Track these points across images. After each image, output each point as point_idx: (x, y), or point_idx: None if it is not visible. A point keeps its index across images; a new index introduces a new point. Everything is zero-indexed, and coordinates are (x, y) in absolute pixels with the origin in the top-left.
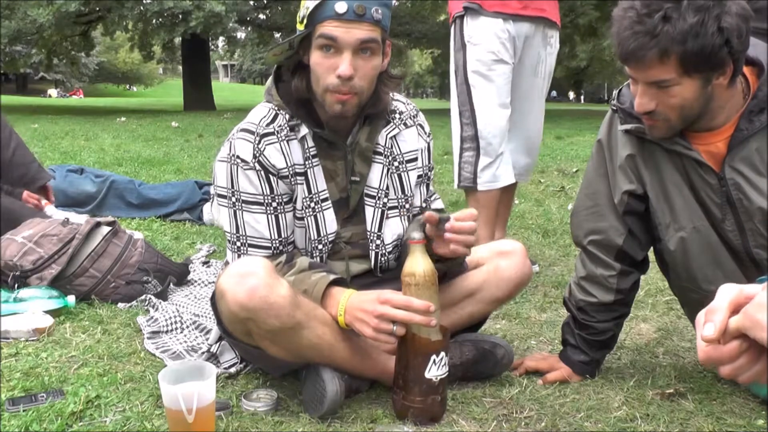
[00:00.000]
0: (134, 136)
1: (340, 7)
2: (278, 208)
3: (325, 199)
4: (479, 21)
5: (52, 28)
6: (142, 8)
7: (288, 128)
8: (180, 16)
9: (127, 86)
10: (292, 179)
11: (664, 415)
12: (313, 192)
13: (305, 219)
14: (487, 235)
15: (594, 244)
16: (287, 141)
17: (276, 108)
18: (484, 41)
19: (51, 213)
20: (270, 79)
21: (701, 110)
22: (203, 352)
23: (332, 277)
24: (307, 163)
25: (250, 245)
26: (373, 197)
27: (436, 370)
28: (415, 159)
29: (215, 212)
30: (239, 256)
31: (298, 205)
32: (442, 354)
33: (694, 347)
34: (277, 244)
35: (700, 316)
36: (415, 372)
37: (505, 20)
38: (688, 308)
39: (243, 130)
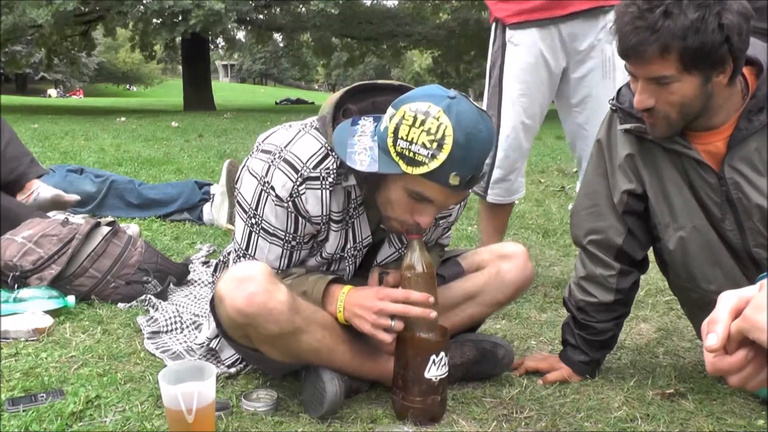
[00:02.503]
0: (134, 136)
1: (455, 180)
2: (296, 246)
3: (368, 245)
4: (522, 25)
5: (51, 27)
6: (141, 7)
7: (336, 173)
8: (180, 16)
9: (127, 86)
10: (324, 226)
11: (664, 415)
12: (357, 240)
13: (347, 266)
14: (495, 243)
15: (594, 244)
16: (332, 188)
17: (329, 148)
18: (526, 42)
19: (39, 190)
20: (329, 111)
21: (701, 108)
22: (201, 344)
23: (331, 276)
24: (353, 212)
25: None
26: (400, 241)
27: (435, 370)
28: (450, 215)
29: (215, 212)
30: None
31: (330, 249)
32: (442, 354)
33: (695, 347)
34: (280, 271)
35: (704, 327)
36: (415, 372)
37: (551, 24)
38: (687, 308)
39: (287, 162)
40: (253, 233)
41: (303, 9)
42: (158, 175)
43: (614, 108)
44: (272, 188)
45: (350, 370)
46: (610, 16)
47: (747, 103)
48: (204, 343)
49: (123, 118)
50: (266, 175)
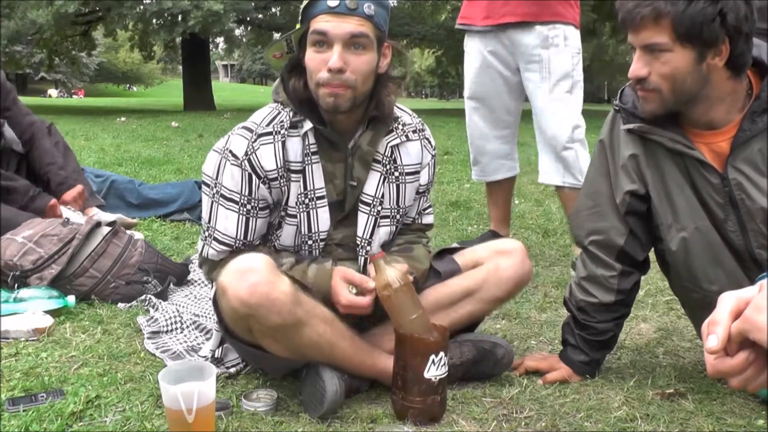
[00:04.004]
0: (134, 136)
1: (332, 1)
2: (251, 211)
3: (321, 197)
4: (468, 31)
5: (52, 28)
6: (141, 8)
7: (289, 125)
8: (179, 17)
9: (127, 86)
10: (282, 180)
11: (664, 415)
12: (308, 188)
13: (298, 215)
14: (495, 216)
15: (595, 245)
16: (286, 139)
17: (281, 107)
18: (473, 49)
19: (99, 215)
20: (278, 79)
21: (695, 90)
22: (205, 357)
23: (328, 266)
24: (306, 159)
25: (215, 239)
26: (367, 204)
27: (435, 370)
28: (416, 173)
29: None
30: (205, 245)
31: (291, 202)
32: (441, 354)
33: (694, 347)
34: (240, 245)
35: (704, 328)
36: (414, 372)
37: (491, 33)
38: (688, 308)
39: (243, 127)
40: (214, 203)
41: None
42: (158, 175)
43: (617, 108)
44: (230, 152)
45: (350, 367)
46: (545, 28)
47: (751, 104)
48: (207, 356)
49: (123, 118)
50: (225, 144)
